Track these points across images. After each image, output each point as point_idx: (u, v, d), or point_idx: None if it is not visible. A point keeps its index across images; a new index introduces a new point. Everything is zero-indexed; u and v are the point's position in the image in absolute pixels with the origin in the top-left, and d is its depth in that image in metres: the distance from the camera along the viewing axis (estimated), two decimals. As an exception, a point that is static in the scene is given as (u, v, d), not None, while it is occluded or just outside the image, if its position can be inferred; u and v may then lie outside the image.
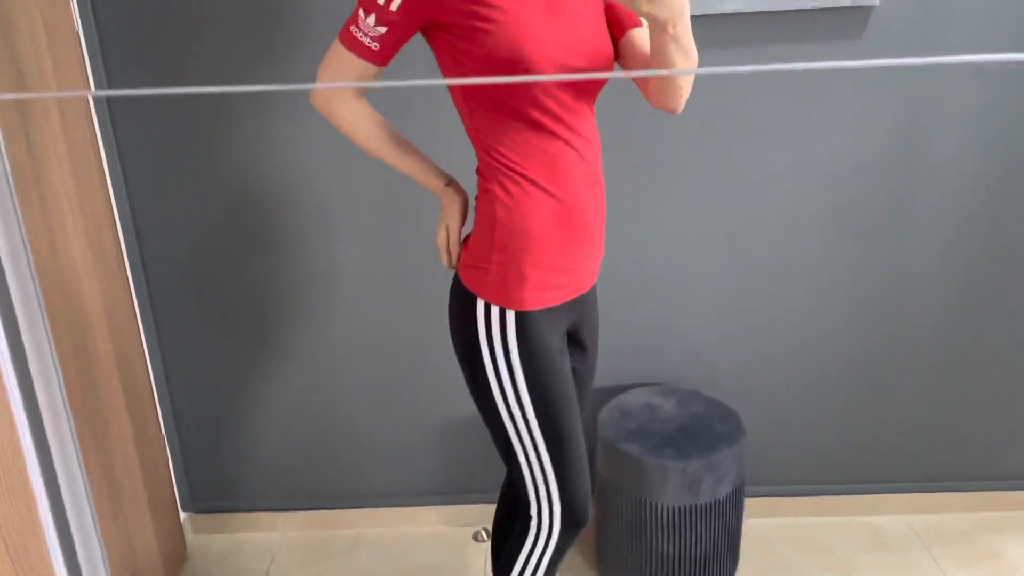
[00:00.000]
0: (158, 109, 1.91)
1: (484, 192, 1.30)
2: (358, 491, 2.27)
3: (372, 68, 1.23)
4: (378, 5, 1.17)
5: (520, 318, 1.29)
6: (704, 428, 1.91)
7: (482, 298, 1.30)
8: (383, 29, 1.18)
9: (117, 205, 1.96)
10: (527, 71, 1.17)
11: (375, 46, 1.20)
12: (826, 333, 2.12)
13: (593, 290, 1.47)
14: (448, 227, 1.37)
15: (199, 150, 1.94)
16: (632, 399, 2.03)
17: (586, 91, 1.26)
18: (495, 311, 1.30)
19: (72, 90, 1.73)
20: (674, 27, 1.06)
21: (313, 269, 2.05)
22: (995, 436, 2.20)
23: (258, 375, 2.15)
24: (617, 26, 1.31)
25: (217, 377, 2.15)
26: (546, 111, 1.22)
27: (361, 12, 1.19)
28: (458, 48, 1.20)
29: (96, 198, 1.83)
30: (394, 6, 1.16)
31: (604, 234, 1.39)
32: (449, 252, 1.39)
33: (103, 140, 1.91)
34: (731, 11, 1.81)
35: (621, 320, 2.08)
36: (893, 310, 2.09)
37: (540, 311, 1.30)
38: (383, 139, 1.32)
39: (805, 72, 1.89)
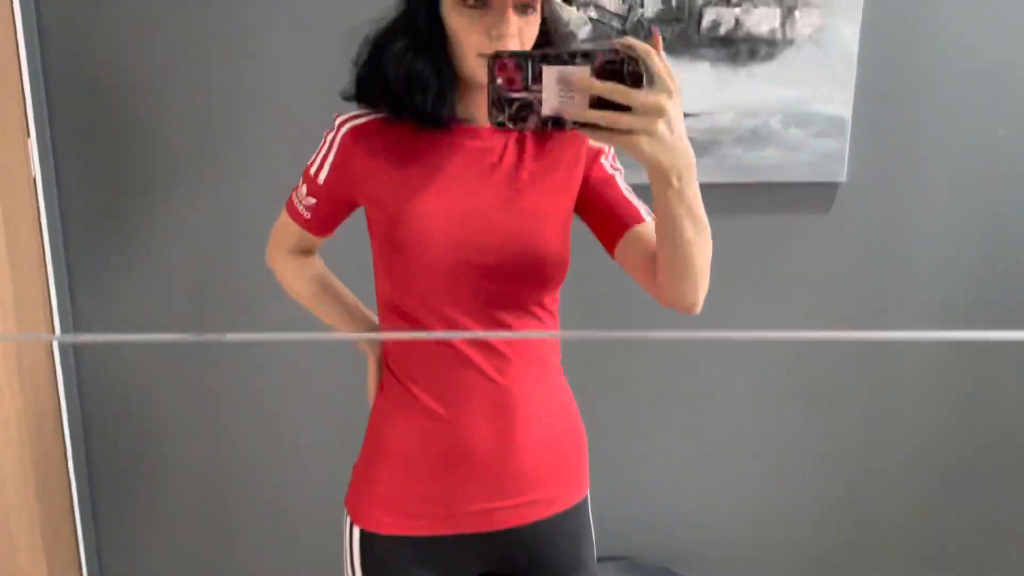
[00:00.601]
0: (115, 270, 1.85)
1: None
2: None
3: (309, 236, 1.19)
4: (310, 176, 1.13)
5: (365, 537, 1.12)
6: (673, 612, 1.79)
7: (345, 502, 1.18)
8: (312, 200, 1.14)
9: (64, 385, 1.86)
10: (409, 261, 1.05)
11: (307, 215, 1.16)
12: (797, 510, 2.04)
13: (538, 529, 1.14)
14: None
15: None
16: None
17: (505, 300, 1.08)
18: (347, 521, 1.15)
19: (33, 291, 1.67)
20: (679, 179, 0.88)
21: (252, 413, 1.95)
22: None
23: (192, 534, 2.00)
24: (615, 224, 1.10)
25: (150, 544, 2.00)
26: (443, 318, 1.07)
27: (300, 180, 1.15)
28: (371, 230, 1.12)
29: (40, 378, 1.74)
30: (320, 179, 1.12)
31: (546, 472, 1.13)
32: None
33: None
34: (701, 182, 1.82)
35: (587, 486, 1.98)
36: (864, 487, 2.03)
37: (394, 537, 1.11)
38: (305, 295, 1.26)
39: (773, 248, 1.89)
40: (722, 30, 1.75)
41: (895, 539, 2.06)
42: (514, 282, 1.07)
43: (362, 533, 1.13)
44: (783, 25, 1.75)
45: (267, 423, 1.95)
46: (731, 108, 1.78)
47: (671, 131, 0.82)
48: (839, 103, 1.79)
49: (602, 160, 1.11)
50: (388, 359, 1.14)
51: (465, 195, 1.05)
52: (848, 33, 1.76)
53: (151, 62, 1.75)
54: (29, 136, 1.71)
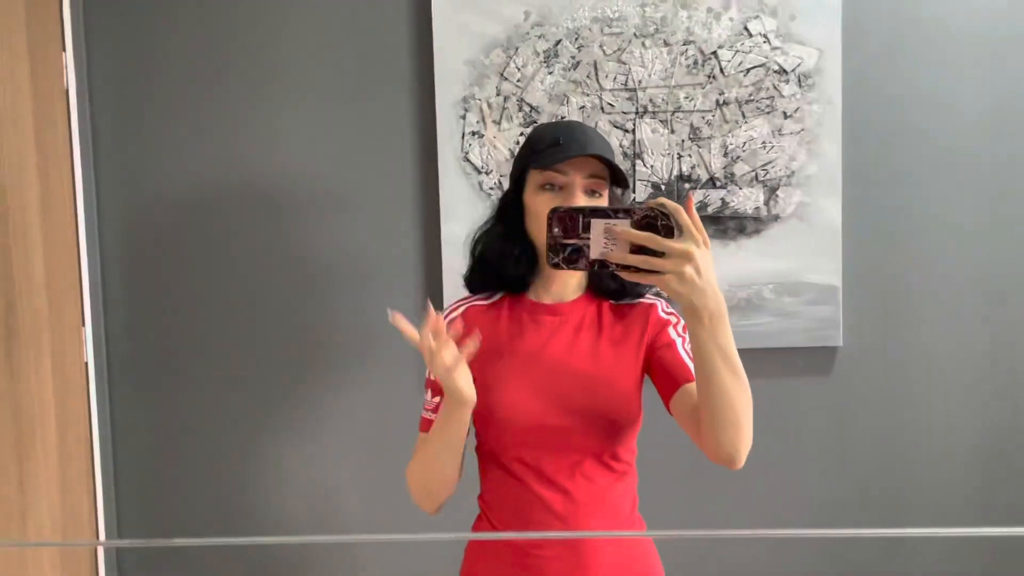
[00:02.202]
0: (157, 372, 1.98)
1: None
2: None
3: None
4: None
5: None
6: None
7: None
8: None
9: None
10: (497, 420, 1.23)
11: (433, 417, 1.27)
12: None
13: None
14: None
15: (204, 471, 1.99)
16: None
17: (580, 452, 1.23)
18: None
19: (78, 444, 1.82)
20: (710, 319, 1.00)
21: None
22: None
23: None
24: (670, 381, 1.22)
25: None
26: (526, 465, 1.24)
27: (426, 393, 1.31)
28: None
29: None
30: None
31: None
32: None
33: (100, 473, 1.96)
34: (701, 349, 1.91)
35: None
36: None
37: None
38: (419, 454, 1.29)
39: (776, 411, 1.94)
40: (710, 210, 1.89)
41: None
42: (586, 438, 1.22)
43: None
44: (767, 203, 1.89)
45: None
46: (724, 280, 1.89)
47: (699, 275, 0.97)
48: (828, 272, 1.89)
49: (669, 329, 1.27)
50: (481, 499, 1.33)
51: (543, 364, 1.24)
52: (830, 207, 1.88)
53: (202, 258, 1.95)
54: (84, 325, 1.90)
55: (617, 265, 0.99)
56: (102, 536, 1.88)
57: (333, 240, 1.94)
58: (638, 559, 1.29)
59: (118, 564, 1.99)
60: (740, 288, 1.90)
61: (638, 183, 1.89)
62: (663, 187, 1.89)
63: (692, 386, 1.19)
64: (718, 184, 1.89)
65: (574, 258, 1.01)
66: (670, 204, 0.98)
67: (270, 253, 1.95)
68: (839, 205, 1.89)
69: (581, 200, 1.20)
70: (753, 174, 1.88)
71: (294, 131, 1.93)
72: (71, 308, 1.86)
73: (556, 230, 1.02)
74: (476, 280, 1.34)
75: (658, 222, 0.98)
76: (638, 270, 0.98)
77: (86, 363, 1.91)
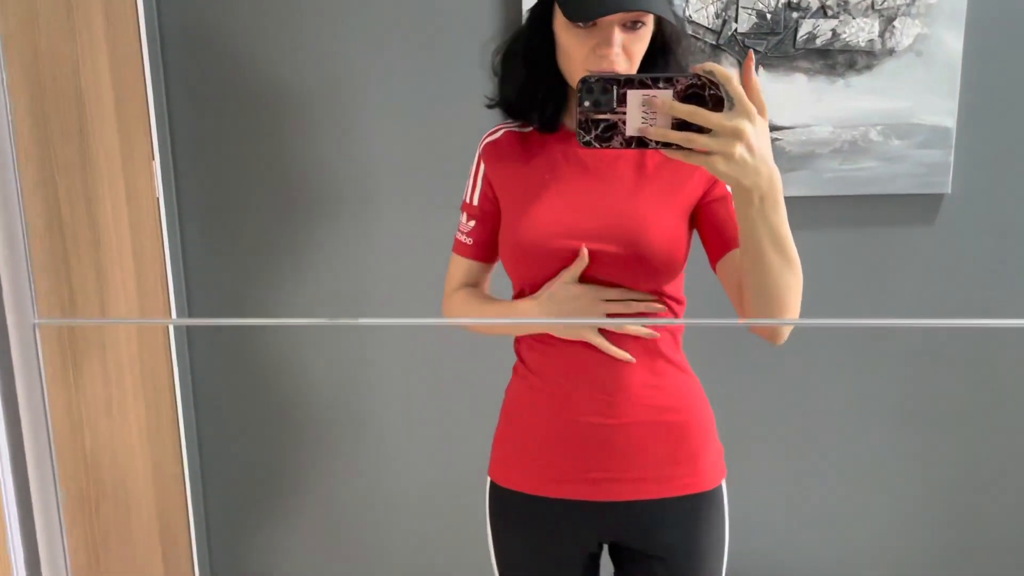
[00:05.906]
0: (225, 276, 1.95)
1: None
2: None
3: (474, 264, 1.26)
4: (467, 203, 1.25)
5: (493, 487, 1.27)
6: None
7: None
8: (472, 223, 1.24)
9: (179, 374, 1.97)
10: (529, 251, 1.15)
11: (470, 241, 1.25)
12: (906, 531, 1.97)
13: (648, 508, 1.18)
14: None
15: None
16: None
17: (603, 286, 1.14)
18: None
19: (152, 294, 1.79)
20: (761, 199, 0.90)
21: (372, 457, 2.01)
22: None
23: (307, 557, 2.07)
24: (720, 241, 1.13)
25: (262, 556, 2.08)
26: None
27: (461, 216, 1.26)
28: (502, 228, 1.22)
29: (159, 364, 1.85)
30: (475, 199, 1.24)
31: (651, 452, 1.16)
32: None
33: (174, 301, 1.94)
34: (799, 195, 1.80)
35: None
36: (975, 508, 1.94)
37: (514, 492, 1.23)
38: (473, 310, 1.26)
39: (877, 261, 1.85)
40: (818, 42, 1.74)
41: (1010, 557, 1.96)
42: (620, 272, 1.13)
43: (491, 483, 1.27)
44: (882, 35, 1.73)
45: (385, 413, 2.01)
46: (829, 120, 1.76)
47: (751, 153, 0.85)
48: (943, 113, 1.75)
49: None
50: (518, 345, 1.25)
51: (576, 193, 1.14)
52: (951, 41, 1.72)
53: (260, 92, 1.86)
54: (153, 159, 1.84)
55: (657, 143, 0.86)
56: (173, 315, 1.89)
57: (398, 68, 1.83)
58: (681, 407, 1.19)
59: (189, 349, 2.01)
60: (845, 130, 1.77)
61: (741, 11, 1.74)
62: (768, 16, 1.74)
63: (738, 253, 1.09)
64: (829, 13, 1.73)
65: (608, 135, 0.87)
66: (719, 71, 0.84)
67: (328, 81, 1.84)
68: (961, 39, 1.73)
69: (618, 38, 1.04)
70: (869, 2, 1.72)
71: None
72: (141, 141, 1.79)
73: (587, 103, 0.87)
74: (504, 109, 1.21)
75: (705, 92, 0.84)
76: (681, 147, 0.86)
77: (157, 199, 1.86)
